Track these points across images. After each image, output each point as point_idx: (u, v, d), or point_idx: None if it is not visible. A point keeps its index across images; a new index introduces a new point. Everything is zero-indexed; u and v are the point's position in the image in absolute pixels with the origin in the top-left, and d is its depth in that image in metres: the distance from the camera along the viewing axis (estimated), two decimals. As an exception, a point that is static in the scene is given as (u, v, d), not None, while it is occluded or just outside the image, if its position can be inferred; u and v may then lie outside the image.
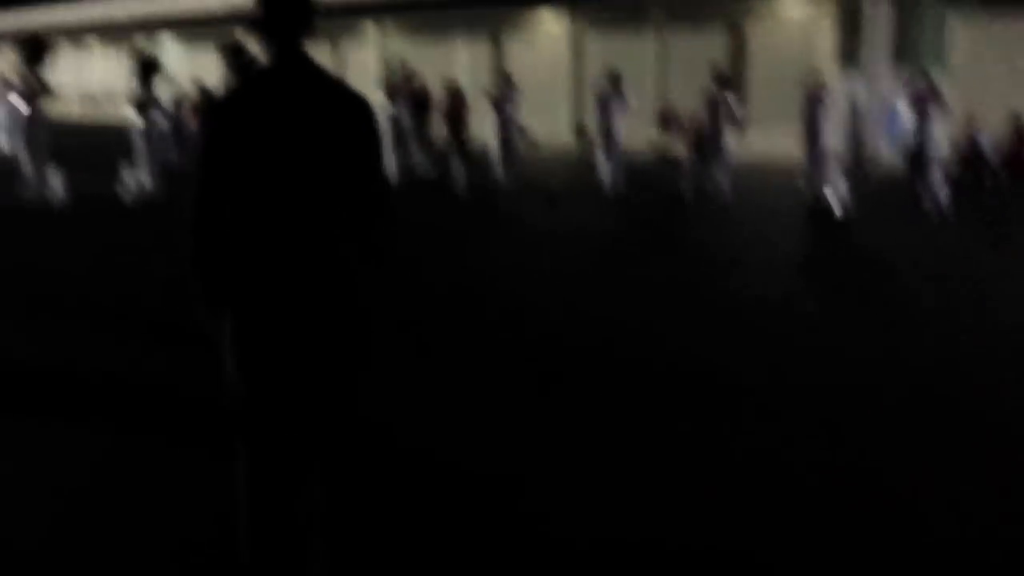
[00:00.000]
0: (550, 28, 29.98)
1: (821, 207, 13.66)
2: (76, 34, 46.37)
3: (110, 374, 5.85)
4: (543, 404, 5.44)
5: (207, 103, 19.84)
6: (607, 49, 27.82)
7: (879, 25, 22.81)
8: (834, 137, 15.19)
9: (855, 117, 22.47)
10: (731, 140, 15.78)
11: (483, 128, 17.06)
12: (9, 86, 19.43)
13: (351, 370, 3.07)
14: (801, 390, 5.64)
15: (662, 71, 27.74)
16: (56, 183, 13.51)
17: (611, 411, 5.31)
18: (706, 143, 16.37)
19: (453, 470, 4.47)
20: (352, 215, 2.97)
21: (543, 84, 28.75)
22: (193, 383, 5.65)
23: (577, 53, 28.33)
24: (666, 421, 5.17)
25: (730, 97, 15.83)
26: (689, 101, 24.00)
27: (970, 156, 17.66)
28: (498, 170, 16.03)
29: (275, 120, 2.85)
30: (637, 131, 24.57)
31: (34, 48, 14.30)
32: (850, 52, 23.83)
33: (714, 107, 15.67)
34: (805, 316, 7.56)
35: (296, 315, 2.91)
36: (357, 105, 2.98)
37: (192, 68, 37.48)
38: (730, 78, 16.95)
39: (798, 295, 8.45)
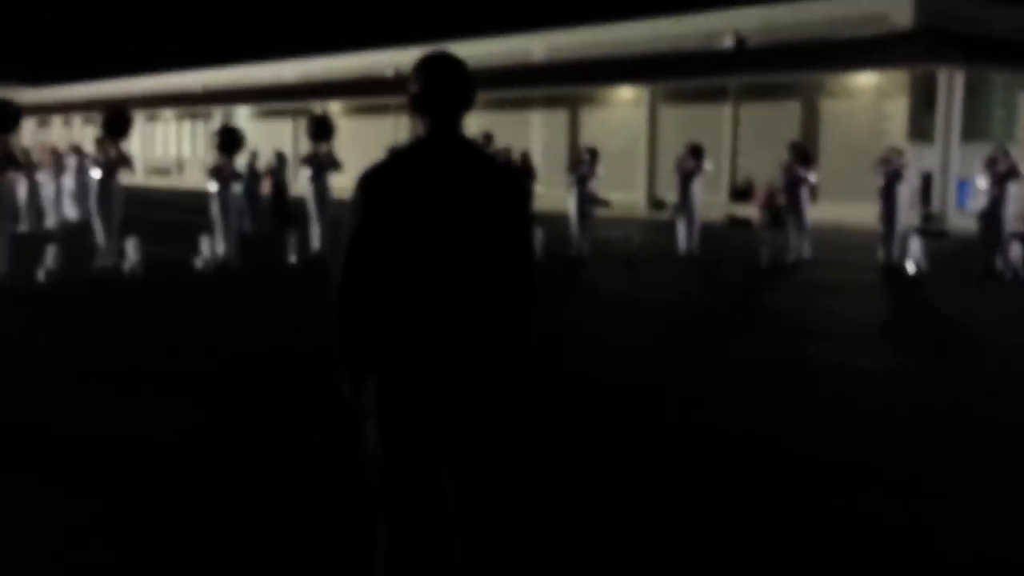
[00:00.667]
0: (627, 102, 30.11)
1: (898, 273, 13.83)
2: (146, 104, 47.39)
3: (197, 445, 5.46)
4: (650, 478, 5.02)
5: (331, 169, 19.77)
6: (683, 122, 27.86)
7: (952, 102, 22.73)
8: (909, 207, 15.67)
9: (928, 188, 22.48)
10: (808, 209, 15.94)
11: (562, 196, 17.54)
12: (84, 156, 19.63)
13: (497, 440, 3.01)
14: (921, 467, 5.26)
15: (737, 143, 27.77)
16: (131, 252, 13.31)
17: (729, 488, 4.87)
18: (783, 212, 16.58)
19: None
20: (502, 285, 2.94)
21: (620, 155, 28.75)
22: (296, 456, 5.28)
23: (653, 126, 28.34)
24: (790, 499, 4.71)
25: (807, 169, 15.93)
26: (764, 171, 23.96)
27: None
28: (575, 237, 16.29)
29: (430, 191, 2.84)
30: (713, 200, 24.55)
31: (116, 121, 14.36)
32: (923, 127, 23.79)
33: (792, 178, 15.77)
34: (904, 387, 7.21)
35: (446, 384, 2.87)
36: (510, 180, 3.01)
37: (264, 136, 38.09)
38: (807, 151, 16.99)
39: (891, 364, 8.06)
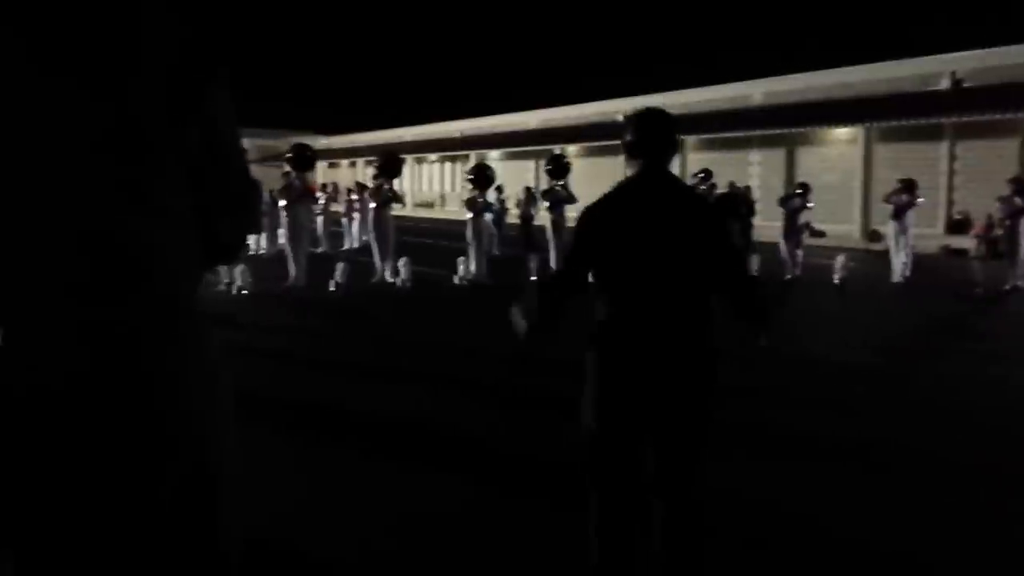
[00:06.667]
0: (842, 141, 29.02)
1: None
2: (415, 149, 50.62)
3: (465, 430, 6.00)
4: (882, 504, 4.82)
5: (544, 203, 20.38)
6: (898, 159, 26.53)
7: None
8: None
9: None
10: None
11: (777, 228, 17.19)
12: (364, 192, 21.43)
13: (701, 418, 3.12)
14: None
15: (953, 179, 26.10)
16: (403, 270, 14.50)
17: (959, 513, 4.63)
18: (1001, 243, 15.50)
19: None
20: (718, 286, 3.14)
21: (835, 190, 27.80)
22: (540, 443, 5.63)
23: (868, 163, 27.13)
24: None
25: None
26: (980, 206, 22.42)
27: None
28: (787, 263, 16.08)
29: (642, 215, 3.11)
30: (929, 232, 23.23)
31: (390, 163, 15.60)
32: None
33: (1012, 210, 14.77)
34: None
35: (658, 369, 3.05)
36: (707, 206, 3.26)
37: (512, 174, 39.86)
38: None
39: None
